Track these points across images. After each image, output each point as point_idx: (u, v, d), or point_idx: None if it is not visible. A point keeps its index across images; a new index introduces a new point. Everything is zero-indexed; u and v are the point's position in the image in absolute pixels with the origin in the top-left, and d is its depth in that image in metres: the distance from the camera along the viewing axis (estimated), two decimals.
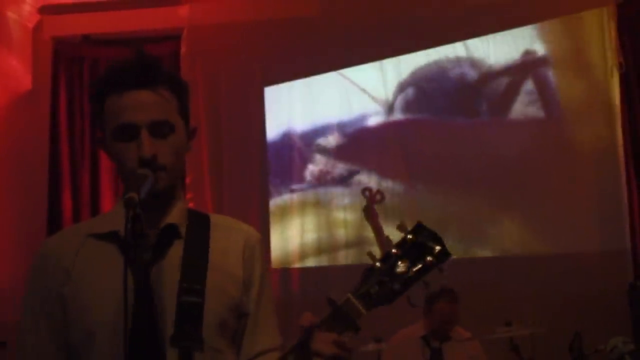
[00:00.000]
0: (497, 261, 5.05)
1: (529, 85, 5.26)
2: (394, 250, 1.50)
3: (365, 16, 5.24)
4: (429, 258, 1.50)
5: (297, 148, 5.49)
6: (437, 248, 1.51)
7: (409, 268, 1.48)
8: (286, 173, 5.52)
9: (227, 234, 1.73)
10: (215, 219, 1.76)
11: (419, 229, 1.52)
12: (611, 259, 4.87)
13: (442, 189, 5.28)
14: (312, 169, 5.46)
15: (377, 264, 1.49)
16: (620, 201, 4.90)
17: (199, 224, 1.71)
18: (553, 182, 5.08)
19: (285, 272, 5.39)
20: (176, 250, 1.64)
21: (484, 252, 5.14)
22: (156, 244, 1.62)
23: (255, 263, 1.72)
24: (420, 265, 1.49)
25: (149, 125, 1.59)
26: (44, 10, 5.49)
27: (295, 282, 5.36)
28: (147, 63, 1.63)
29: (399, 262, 1.49)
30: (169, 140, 1.61)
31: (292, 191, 5.41)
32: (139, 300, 1.51)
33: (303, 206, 5.42)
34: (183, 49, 5.46)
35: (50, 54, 5.54)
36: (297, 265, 5.41)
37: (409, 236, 1.51)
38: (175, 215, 1.67)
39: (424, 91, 5.40)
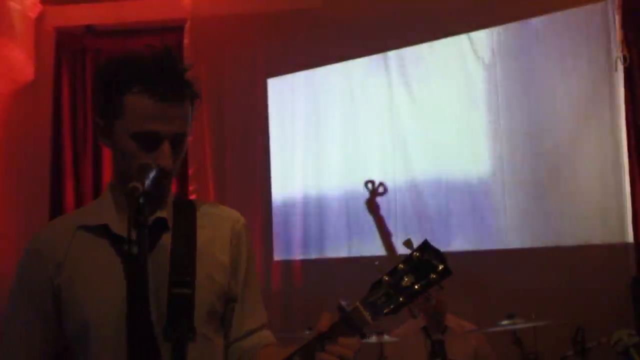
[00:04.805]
0: (500, 254, 5.05)
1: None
2: (400, 266, 1.60)
3: (368, 8, 5.23)
4: (432, 275, 1.59)
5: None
6: (440, 267, 1.60)
7: (413, 283, 1.59)
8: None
9: (213, 222, 1.78)
10: (201, 206, 1.81)
11: (425, 247, 1.62)
12: (614, 253, 4.86)
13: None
14: None
15: (385, 277, 1.59)
16: (624, 195, 4.89)
17: (186, 214, 1.76)
18: (556, 174, 5.08)
19: (287, 264, 5.39)
20: (165, 243, 1.68)
21: (486, 245, 5.13)
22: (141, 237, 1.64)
23: (242, 247, 1.80)
24: (423, 281, 1.59)
25: (171, 137, 1.63)
26: (46, 0, 5.47)
27: (297, 274, 5.36)
28: (183, 77, 1.66)
29: (405, 277, 1.59)
30: (180, 150, 1.68)
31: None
32: (131, 293, 1.54)
33: None
34: (186, 41, 5.46)
35: (53, 45, 5.53)
36: (299, 257, 5.41)
37: (415, 253, 1.61)
38: (163, 209, 1.71)
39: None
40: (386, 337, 4.15)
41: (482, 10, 5.15)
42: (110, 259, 1.64)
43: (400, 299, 1.57)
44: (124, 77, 1.64)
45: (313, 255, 5.39)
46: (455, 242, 5.19)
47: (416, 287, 1.58)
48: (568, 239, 4.96)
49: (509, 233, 5.11)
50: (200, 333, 1.65)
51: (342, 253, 5.33)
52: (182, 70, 1.67)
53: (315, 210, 5.41)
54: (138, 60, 1.66)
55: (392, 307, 1.57)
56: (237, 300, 1.77)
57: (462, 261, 4.99)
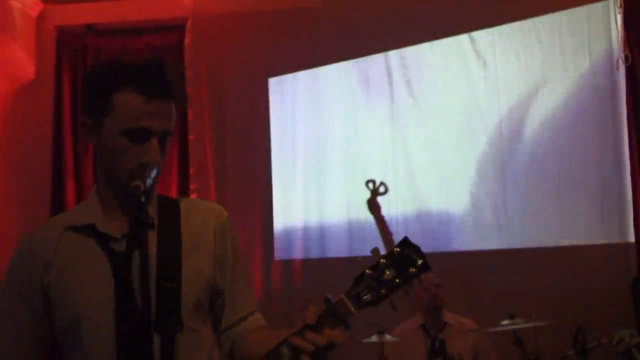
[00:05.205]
0: (500, 254, 5.04)
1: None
2: (382, 260, 1.67)
3: (369, 7, 5.23)
4: (412, 269, 1.66)
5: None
6: (420, 261, 1.67)
7: (394, 277, 1.65)
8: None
9: (197, 217, 1.83)
10: (185, 202, 1.86)
11: (405, 243, 1.69)
12: (615, 253, 4.86)
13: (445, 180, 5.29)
14: None
15: (368, 270, 1.67)
16: (625, 195, 4.89)
17: (169, 211, 1.81)
18: (557, 174, 5.07)
19: (288, 263, 5.39)
20: (151, 240, 1.70)
21: (487, 245, 5.13)
22: (131, 235, 1.67)
23: (227, 240, 1.85)
24: (404, 275, 1.66)
25: (160, 134, 1.69)
26: None
27: (298, 274, 5.35)
28: (173, 76, 1.72)
29: (387, 271, 1.66)
30: (165, 147, 1.73)
31: None
32: (120, 290, 1.63)
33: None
34: (187, 39, 5.46)
35: (54, 43, 5.53)
36: (299, 256, 5.40)
37: (396, 249, 1.69)
38: (148, 206, 1.73)
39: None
40: (387, 337, 4.15)
41: (482, 10, 5.14)
42: (97, 257, 1.70)
43: (382, 291, 1.64)
44: (113, 76, 1.69)
45: (314, 255, 5.39)
46: (455, 241, 5.19)
47: (397, 280, 1.65)
48: (568, 239, 4.96)
49: (509, 233, 5.11)
50: (188, 326, 1.70)
51: (342, 253, 5.33)
52: (170, 71, 1.72)
53: (316, 211, 5.41)
54: (127, 61, 1.73)
55: (373, 299, 1.64)
56: (225, 292, 1.83)
57: (462, 261, 5.00)
